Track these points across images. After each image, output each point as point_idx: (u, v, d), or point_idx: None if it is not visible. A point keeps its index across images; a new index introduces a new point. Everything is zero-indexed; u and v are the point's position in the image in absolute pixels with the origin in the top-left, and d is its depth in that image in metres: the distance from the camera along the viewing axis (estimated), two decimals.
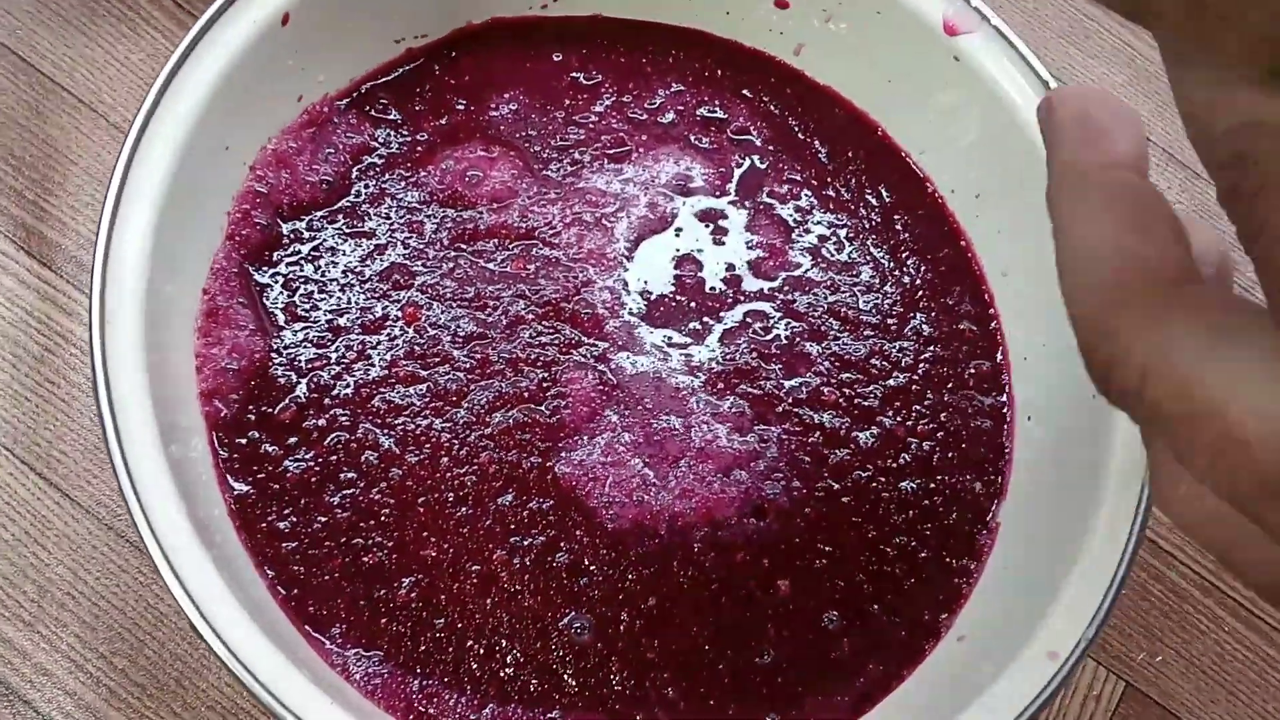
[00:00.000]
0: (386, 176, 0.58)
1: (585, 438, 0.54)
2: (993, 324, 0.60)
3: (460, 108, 0.60)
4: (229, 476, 0.51)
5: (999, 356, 0.59)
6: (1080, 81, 0.76)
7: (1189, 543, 0.65)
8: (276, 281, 0.55)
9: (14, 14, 0.67)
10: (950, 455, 0.57)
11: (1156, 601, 0.64)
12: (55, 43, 0.67)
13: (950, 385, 0.58)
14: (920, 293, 0.60)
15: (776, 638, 0.52)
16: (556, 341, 0.56)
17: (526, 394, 0.54)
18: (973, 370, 0.59)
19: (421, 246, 0.57)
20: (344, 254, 0.56)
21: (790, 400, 0.56)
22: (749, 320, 0.58)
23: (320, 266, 0.56)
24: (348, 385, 0.54)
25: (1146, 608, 0.64)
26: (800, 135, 0.63)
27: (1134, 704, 0.62)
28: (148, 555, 0.44)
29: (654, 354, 0.56)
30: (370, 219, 0.57)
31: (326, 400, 0.53)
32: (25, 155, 0.64)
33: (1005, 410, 0.58)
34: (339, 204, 0.57)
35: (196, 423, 0.51)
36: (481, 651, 0.50)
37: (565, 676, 0.50)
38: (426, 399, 0.54)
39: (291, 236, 0.56)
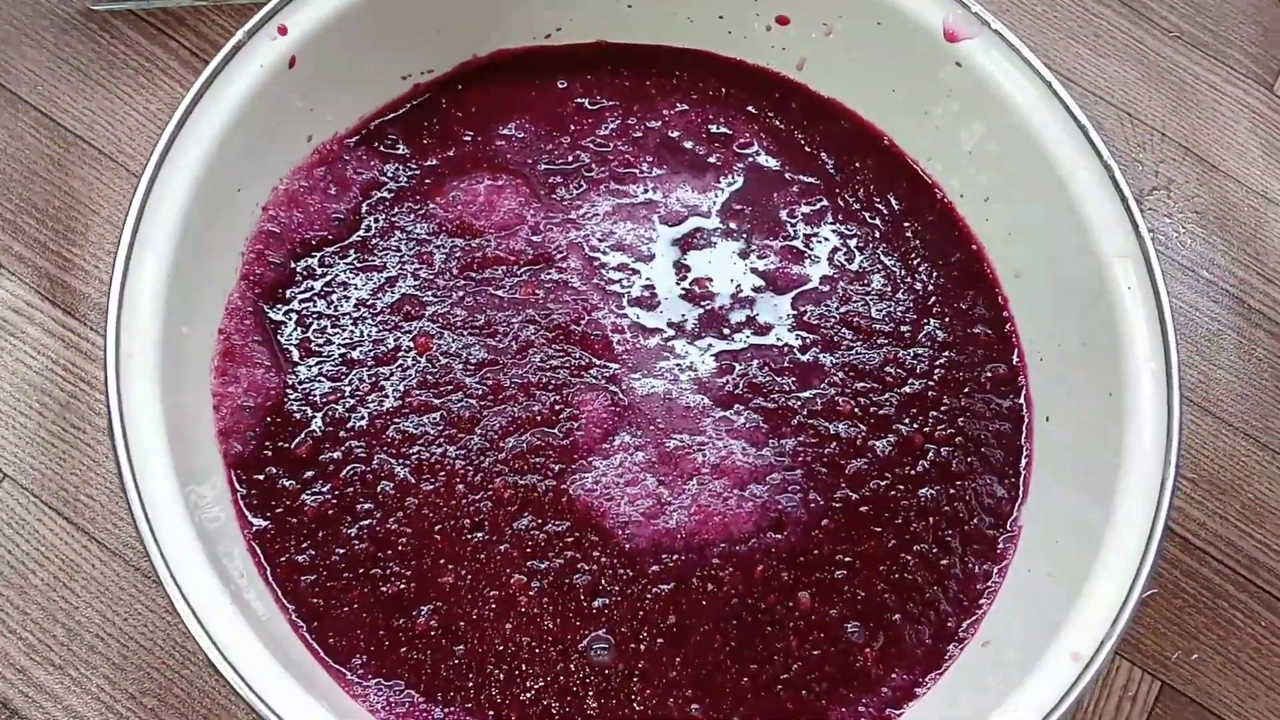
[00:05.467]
0: (396, 210, 0.59)
1: (599, 459, 0.54)
2: (1007, 326, 0.59)
3: (467, 139, 0.61)
4: (248, 512, 0.52)
5: (1015, 359, 0.59)
6: (1092, 81, 0.76)
7: (1222, 538, 0.64)
8: (290, 318, 0.56)
9: (35, 70, 0.68)
10: (969, 460, 0.56)
11: (1190, 599, 0.63)
12: (75, 96, 0.68)
13: (967, 389, 0.58)
14: (933, 298, 0.60)
15: (799, 650, 0.52)
16: (567, 365, 0.56)
17: (539, 417, 0.55)
18: (989, 373, 0.58)
19: (431, 277, 0.57)
20: (356, 288, 0.57)
21: (805, 412, 0.56)
22: (760, 335, 0.58)
23: (333, 301, 0.56)
24: (362, 417, 0.54)
25: (1180, 605, 0.63)
26: (807, 148, 0.63)
27: (1171, 703, 0.61)
28: (166, 593, 0.45)
29: (665, 373, 0.56)
30: (380, 252, 0.58)
31: (342, 433, 0.54)
32: (48, 207, 0.65)
33: (1023, 412, 0.57)
34: (350, 239, 0.58)
35: (215, 461, 0.52)
36: (502, 677, 0.50)
37: (587, 699, 0.50)
38: (440, 427, 0.54)
39: (304, 273, 0.57)
